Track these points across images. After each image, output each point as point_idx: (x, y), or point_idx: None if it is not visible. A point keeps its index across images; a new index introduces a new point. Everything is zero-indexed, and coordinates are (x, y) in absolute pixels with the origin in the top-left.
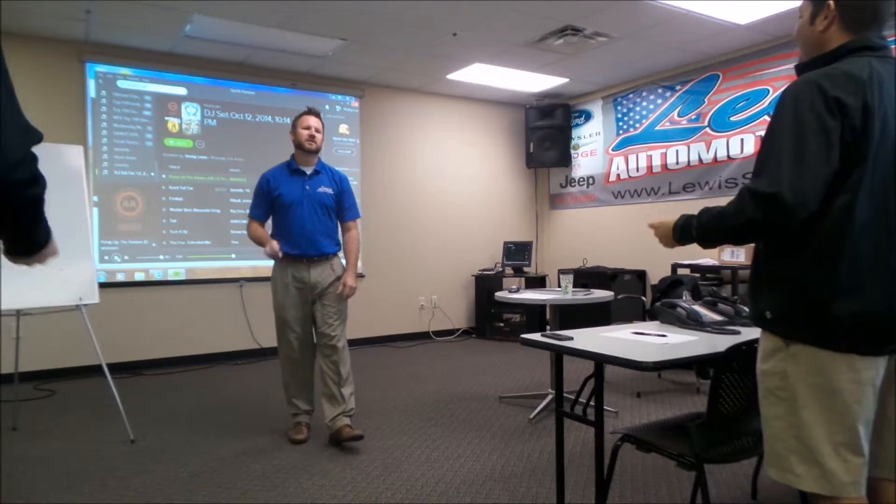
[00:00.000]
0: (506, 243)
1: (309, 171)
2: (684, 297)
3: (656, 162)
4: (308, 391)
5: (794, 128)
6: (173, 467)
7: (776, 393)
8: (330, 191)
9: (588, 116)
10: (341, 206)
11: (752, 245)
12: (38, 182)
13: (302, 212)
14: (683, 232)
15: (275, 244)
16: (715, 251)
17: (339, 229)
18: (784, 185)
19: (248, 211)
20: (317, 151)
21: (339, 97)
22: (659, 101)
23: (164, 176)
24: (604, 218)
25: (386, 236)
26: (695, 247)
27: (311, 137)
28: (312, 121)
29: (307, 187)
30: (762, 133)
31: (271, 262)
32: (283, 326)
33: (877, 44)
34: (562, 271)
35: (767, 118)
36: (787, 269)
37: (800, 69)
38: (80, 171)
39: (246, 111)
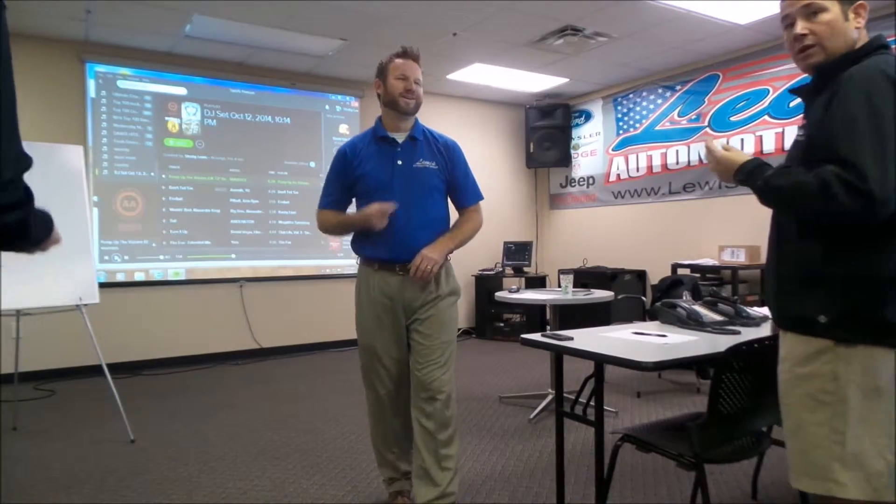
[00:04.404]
0: (506, 243)
1: (401, 138)
2: (684, 297)
3: (656, 162)
4: (407, 445)
5: (873, 122)
6: (173, 467)
7: (819, 397)
8: (432, 165)
9: (588, 116)
10: (454, 187)
11: (761, 247)
12: (21, 206)
13: (392, 198)
14: (749, 177)
15: (373, 208)
16: (715, 251)
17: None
18: (874, 182)
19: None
20: (414, 112)
21: (339, 97)
22: (659, 101)
23: (164, 176)
24: (604, 218)
25: None
26: (694, 247)
27: (409, 91)
28: (410, 68)
29: (399, 162)
30: (762, 133)
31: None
32: (370, 358)
33: (888, 43)
34: (562, 271)
35: (768, 118)
36: (850, 268)
37: (827, 68)
38: (80, 171)
39: (246, 111)
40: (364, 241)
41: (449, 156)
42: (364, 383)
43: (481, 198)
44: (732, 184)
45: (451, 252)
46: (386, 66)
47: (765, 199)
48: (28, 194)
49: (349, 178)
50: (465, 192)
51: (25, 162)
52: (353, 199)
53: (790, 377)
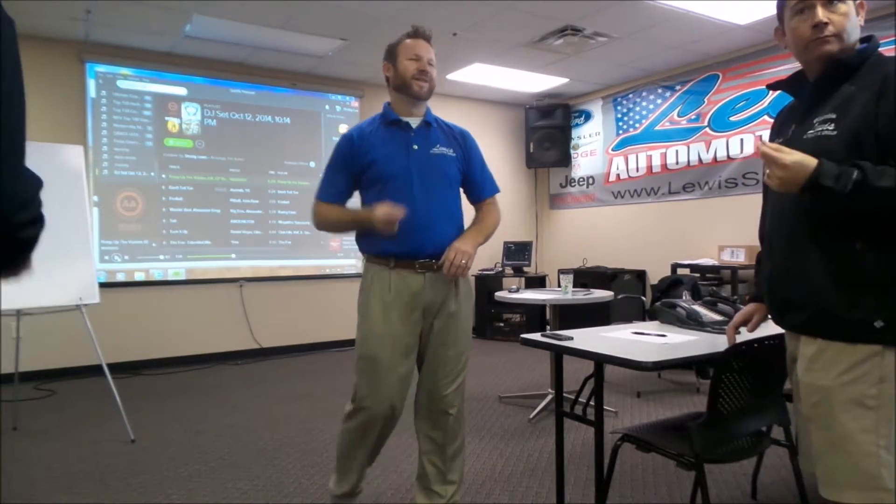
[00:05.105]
0: (506, 243)
1: (416, 123)
2: (684, 297)
3: (656, 162)
4: (374, 458)
5: None
6: (173, 467)
7: (865, 402)
8: (451, 152)
9: (588, 116)
10: (470, 179)
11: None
12: (37, 224)
13: (410, 186)
14: (837, 181)
15: (382, 212)
16: (715, 251)
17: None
18: None
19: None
20: (428, 96)
21: (339, 97)
22: (659, 101)
23: (164, 176)
24: (604, 218)
25: None
26: (694, 247)
27: (422, 72)
28: (423, 48)
29: (415, 147)
30: (762, 133)
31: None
32: (374, 368)
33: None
34: (562, 271)
35: (767, 118)
36: None
37: (844, 60)
38: (80, 171)
39: (246, 111)
40: (376, 234)
41: (466, 145)
42: (355, 403)
43: (498, 190)
44: (794, 191)
45: (479, 246)
46: (396, 47)
47: (857, 204)
48: (42, 217)
49: (357, 166)
50: (483, 183)
51: (40, 180)
52: (358, 192)
53: (833, 385)
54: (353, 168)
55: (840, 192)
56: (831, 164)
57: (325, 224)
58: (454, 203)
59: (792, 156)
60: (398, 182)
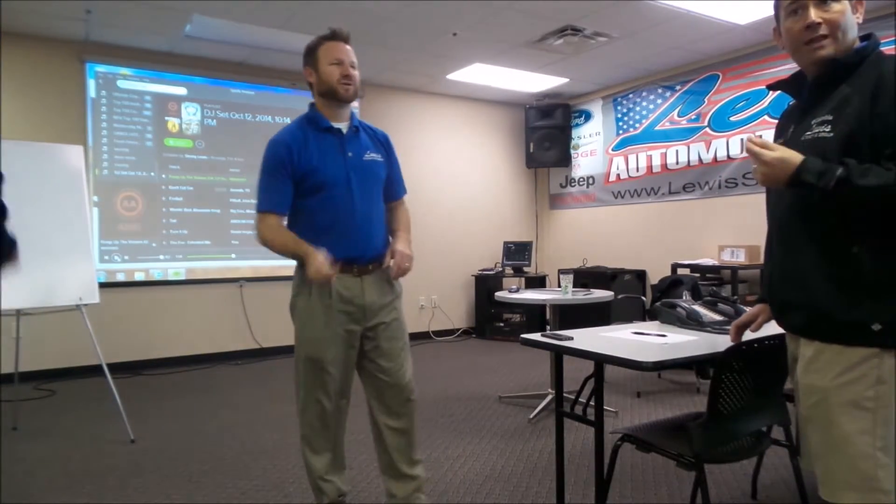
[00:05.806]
0: (506, 243)
1: (345, 128)
2: (684, 297)
3: (656, 162)
4: (342, 461)
5: None
6: (173, 467)
7: (862, 404)
8: (379, 158)
9: (588, 116)
10: (389, 180)
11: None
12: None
13: (350, 193)
14: (820, 178)
15: (323, 258)
16: (715, 251)
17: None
18: None
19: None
20: (353, 99)
21: None
22: (659, 101)
23: (164, 176)
24: (604, 218)
25: None
26: (694, 247)
27: (347, 77)
28: (343, 51)
29: (349, 154)
30: (762, 133)
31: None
32: (318, 372)
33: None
34: (562, 271)
35: (768, 118)
36: None
37: (842, 61)
38: (80, 171)
39: (246, 111)
40: (316, 240)
41: (388, 148)
42: (304, 400)
43: (407, 191)
44: (780, 186)
45: None
46: (315, 50)
47: (841, 201)
48: (3, 208)
49: (297, 173)
50: (399, 183)
51: (0, 174)
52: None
53: (831, 386)
54: (294, 175)
55: (823, 188)
56: (816, 161)
57: (272, 240)
58: (382, 207)
59: (775, 152)
60: (339, 190)
